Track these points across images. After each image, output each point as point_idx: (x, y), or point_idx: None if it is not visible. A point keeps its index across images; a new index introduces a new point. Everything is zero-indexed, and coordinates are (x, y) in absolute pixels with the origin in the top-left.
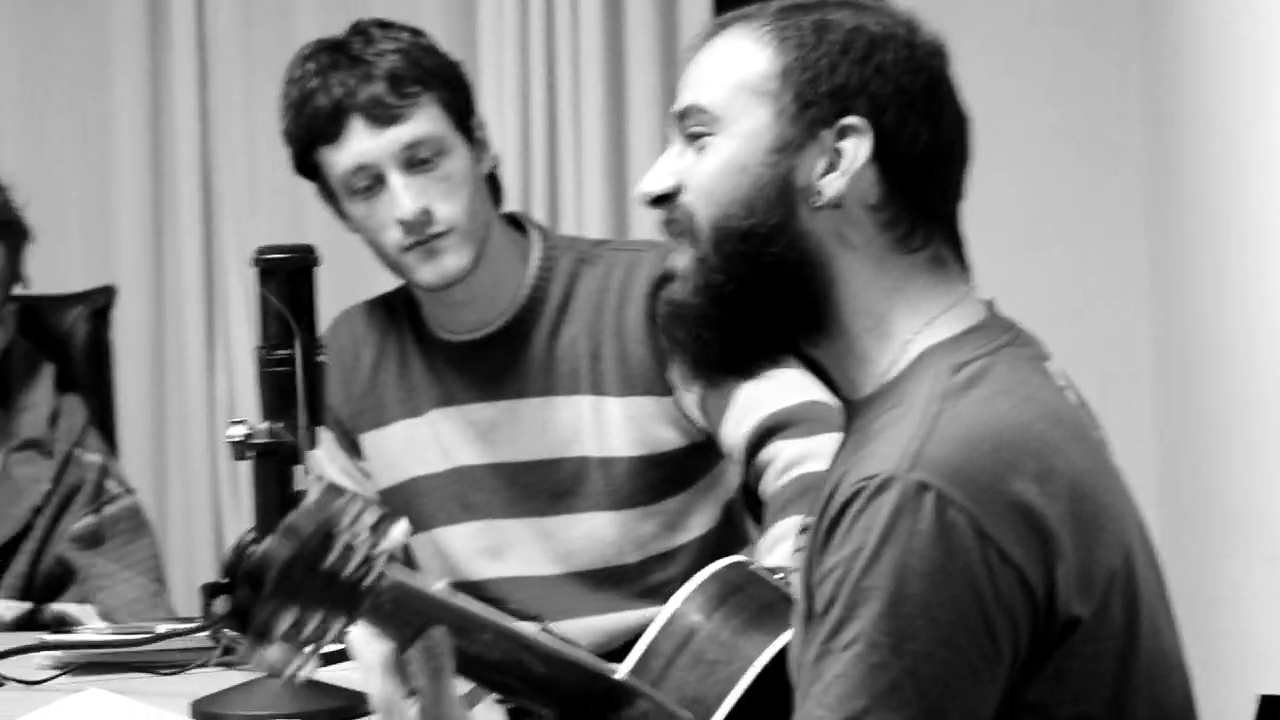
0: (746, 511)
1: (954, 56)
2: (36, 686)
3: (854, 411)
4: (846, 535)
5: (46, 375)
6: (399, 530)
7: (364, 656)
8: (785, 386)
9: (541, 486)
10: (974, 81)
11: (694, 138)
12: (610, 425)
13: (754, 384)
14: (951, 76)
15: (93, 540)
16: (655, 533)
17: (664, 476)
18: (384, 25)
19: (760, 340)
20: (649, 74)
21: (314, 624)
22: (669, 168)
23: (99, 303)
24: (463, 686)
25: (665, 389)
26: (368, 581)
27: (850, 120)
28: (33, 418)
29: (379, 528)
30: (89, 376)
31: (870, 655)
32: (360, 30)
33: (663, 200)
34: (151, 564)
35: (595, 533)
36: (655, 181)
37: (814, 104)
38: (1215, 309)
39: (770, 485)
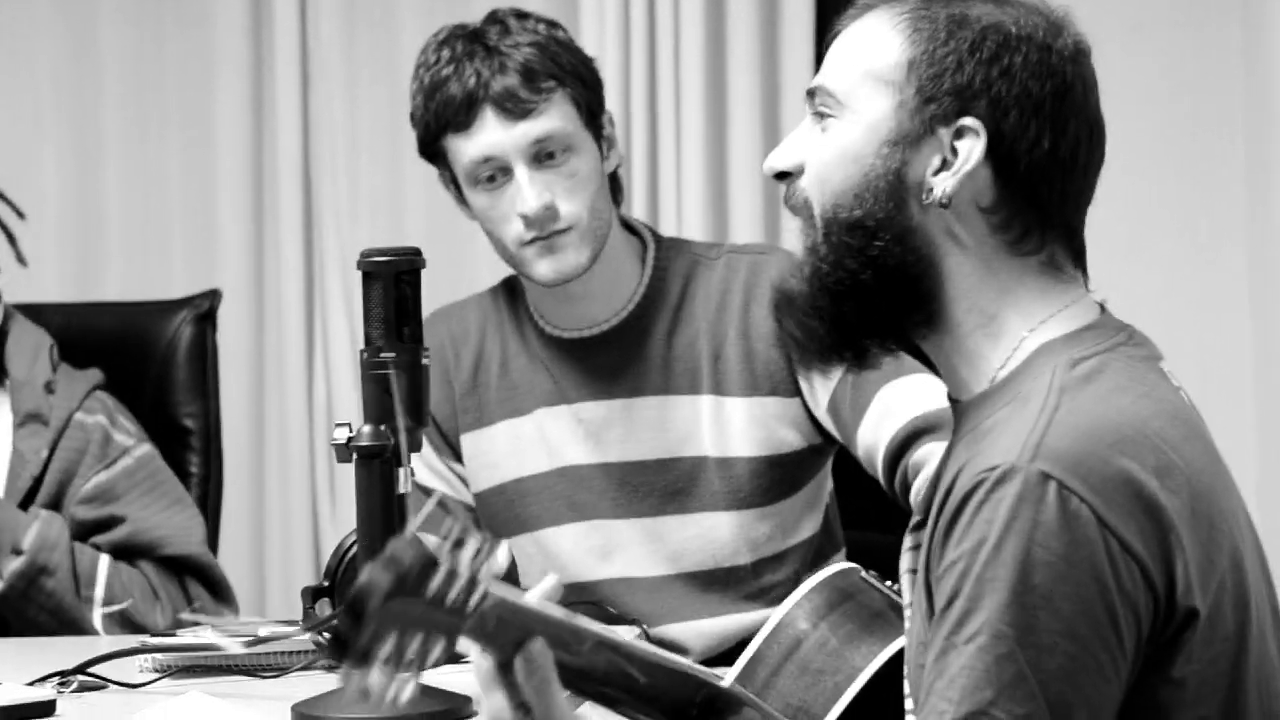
0: (838, 516)
1: None
2: (138, 689)
3: (965, 410)
4: (968, 528)
5: (44, 350)
6: (502, 555)
7: (477, 667)
8: (926, 391)
9: (653, 486)
10: None
11: (820, 117)
12: (732, 425)
13: (894, 386)
14: (1089, 81)
15: (108, 497)
16: (770, 534)
17: (781, 477)
18: (521, 15)
19: (866, 331)
20: (750, 69)
21: (414, 647)
22: (797, 143)
23: (203, 307)
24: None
25: (792, 390)
26: (471, 604)
27: (967, 121)
28: (30, 391)
29: (480, 555)
30: (193, 381)
31: (995, 647)
32: (497, 19)
33: (786, 175)
34: (177, 506)
35: (709, 533)
36: (781, 158)
37: (935, 99)
38: None
39: (923, 487)
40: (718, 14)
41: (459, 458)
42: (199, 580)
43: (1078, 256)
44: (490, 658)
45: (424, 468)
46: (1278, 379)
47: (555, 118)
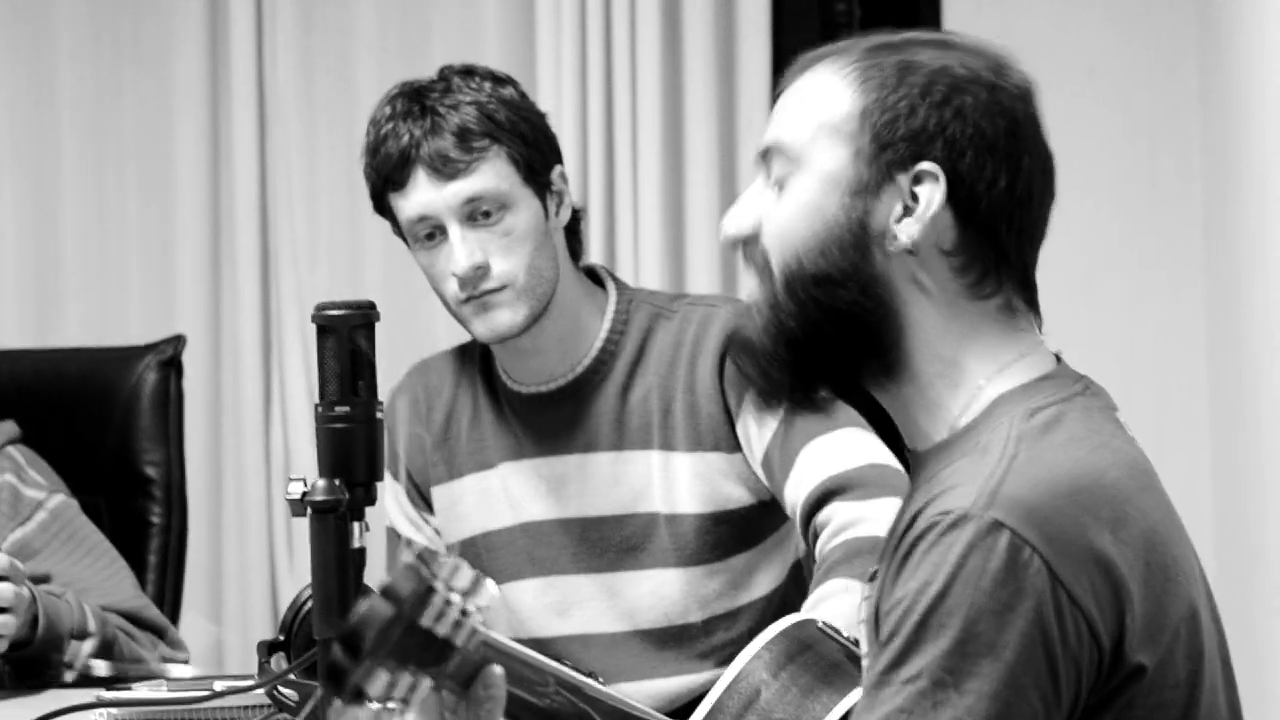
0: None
1: None
2: None
3: (923, 459)
4: (917, 568)
5: None
6: (491, 589)
7: None
8: (848, 448)
9: (609, 542)
10: None
11: (776, 177)
12: (678, 481)
13: (816, 444)
14: (1037, 117)
15: (26, 554)
16: (720, 591)
17: (730, 534)
18: (467, 73)
19: (827, 380)
20: (707, 118)
21: (404, 684)
22: (751, 205)
23: (167, 353)
24: None
25: (734, 445)
26: (458, 641)
27: (925, 165)
28: None
29: (472, 588)
30: (156, 428)
31: (934, 693)
32: (444, 77)
33: (743, 241)
34: (95, 555)
35: (660, 589)
36: (735, 223)
37: (890, 146)
38: (1275, 360)
39: (821, 547)
40: (674, 65)
41: (431, 509)
42: (135, 627)
43: (1031, 299)
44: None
45: (402, 518)
46: (1233, 417)
47: (489, 176)
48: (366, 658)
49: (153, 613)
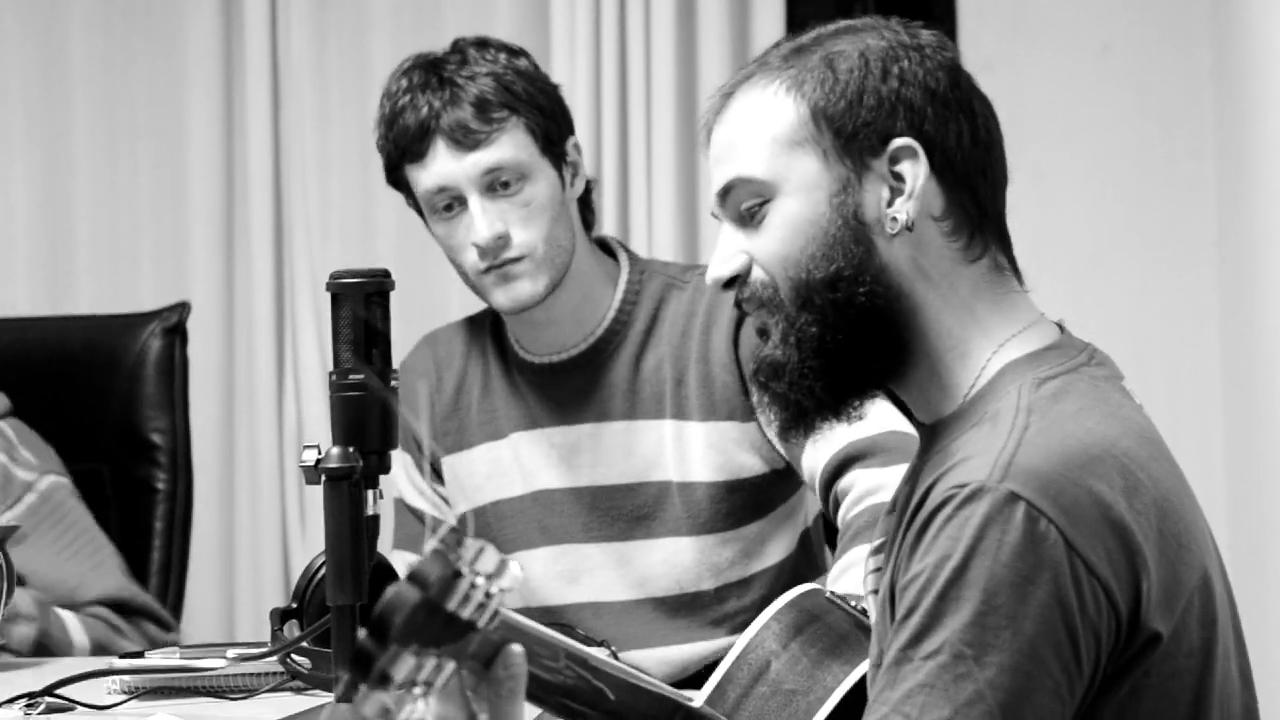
0: (825, 540)
1: (1029, 84)
2: (106, 711)
3: (932, 432)
4: (934, 542)
5: None
6: (515, 571)
7: None
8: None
9: (621, 511)
10: (1049, 109)
11: (749, 212)
12: (692, 450)
13: None
14: (962, 66)
15: (16, 539)
16: (733, 559)
17: (743, 502)
18: (482, 45)
19: (860, 381)
20: (721, 79)
21: (429, 668)
22: (731, 248)
23: (171, 320)
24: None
25: (748, 414)
26: (481, 622)
27: (898, 142)
28: None
29: (497, 571)
30: (161, 395)
31: (955, 666)
32: (458, 49)
33: (734, 280)
34: (82, 542)
35: (673, 558)
36: (724, 266)
37: (855, 135)
38: None
39: (844, 514)
40: (689, 37)
41: (441, 479)
42: (122, 614)
43: (1009, 251)
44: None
45: (411, 488)
46: (1246, 396)
47: (508, 147)
48: (394, 643)
49: (141, 598)
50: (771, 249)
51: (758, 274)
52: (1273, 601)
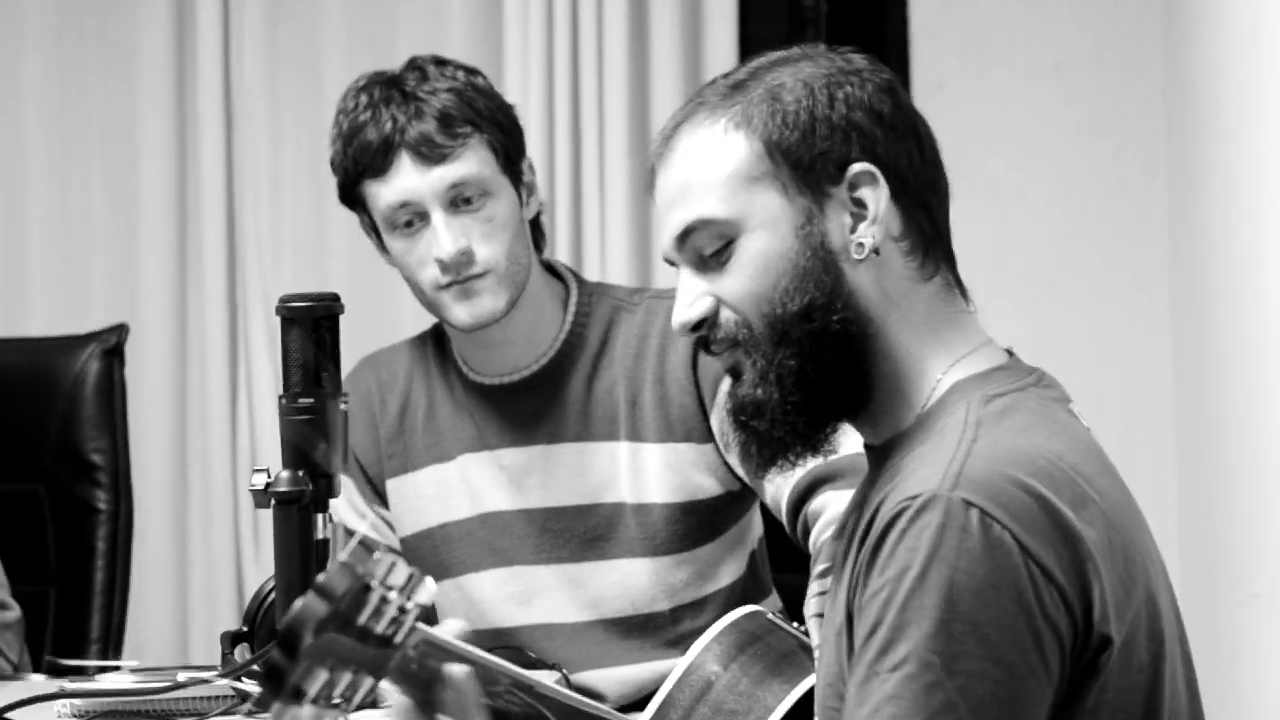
0: (767, 561)
1: (984, 101)
2: None
3: (882, 450)
4: (891, 556)
5: None
6: (429, 587)
7: (396, 706)
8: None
9: (573, 533)
10: (1002, 128)
11: (713, 254)
12: (647, 471)
13: None
14: (898, 85)
15: None
16: (688, 580)
17: (699, 524)
18: (440, 62)
19: (839, 409)
20: (674, 101)
21: (344, 683)
22: (694, 291)
23: (110, 341)
24: None
25: (705, 436)
26: (398, 638)
27: (856, 168)
28: None
29: (409, 584)
30: (101, 416)
31: (922, 675)
32: (416, 66)
33: (701, 324)
34: None
35: (627, 579)
36: (690, 311)
37: (813, 166)
38: (1238, 355)
39: (816, 537)
40: (641, 58)
41: (384, 502)
42: None
43: (955, 269)
44: (409, 697)
45: (350, 511)
46: (1198, 412)
47: (472, 162)
48: (303, 657)
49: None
50: (742, 288)
51: (727, 315)
52: (1223, 620)
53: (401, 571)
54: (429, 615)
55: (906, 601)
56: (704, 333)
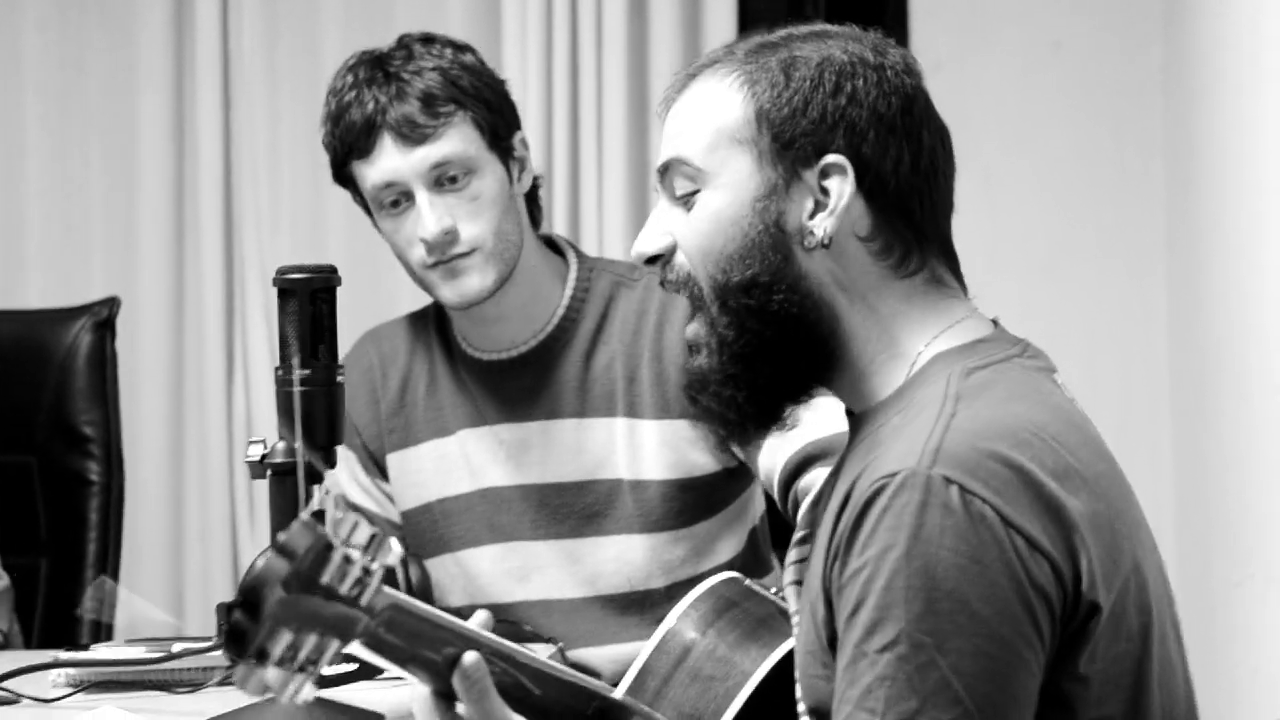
0: (769, 538)
1: (980, 83)
2: (51, 704)
3: (860, 420)
4: (872, 535)
5: None
6: (393, 548)
7: (415, 696)
8: (823, 415)
9: (571, 508)
10: (999, 107)
11: (682, 194)
12: (644, 448)
13: None
14: (926, 93)
15: None
16: (684, 557)
17: (695, 501)
18: (428, 40)
19: (781, 388)
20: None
21: (310, 645)
22: (660, 226)
23: (102, 314)
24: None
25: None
26: (364, 600)
27: (830, 158)
28: None
29: (372, 545)
30: (93, 388)
31: (915, 655)
32: (404, 45)
33: (658, 258)
34: None
35: (624, 555)
36: (649, 242)
37: (793, 144)
38: (1235, 339)
39: (805, 513)
40: (640, 33)
41: (386, 476)
42: None
43: (955, 267)
44: (427, 684)
45: (353, 484)
46: (1194, 394)
47: (455, 141)
48: (266, 618)
49: None
50: (694, 239)
51: (681, 259)
52: (1219, 601)
53: (364, 531)
54: (427, 591)
55: (890, 581)
56: (659, 268)
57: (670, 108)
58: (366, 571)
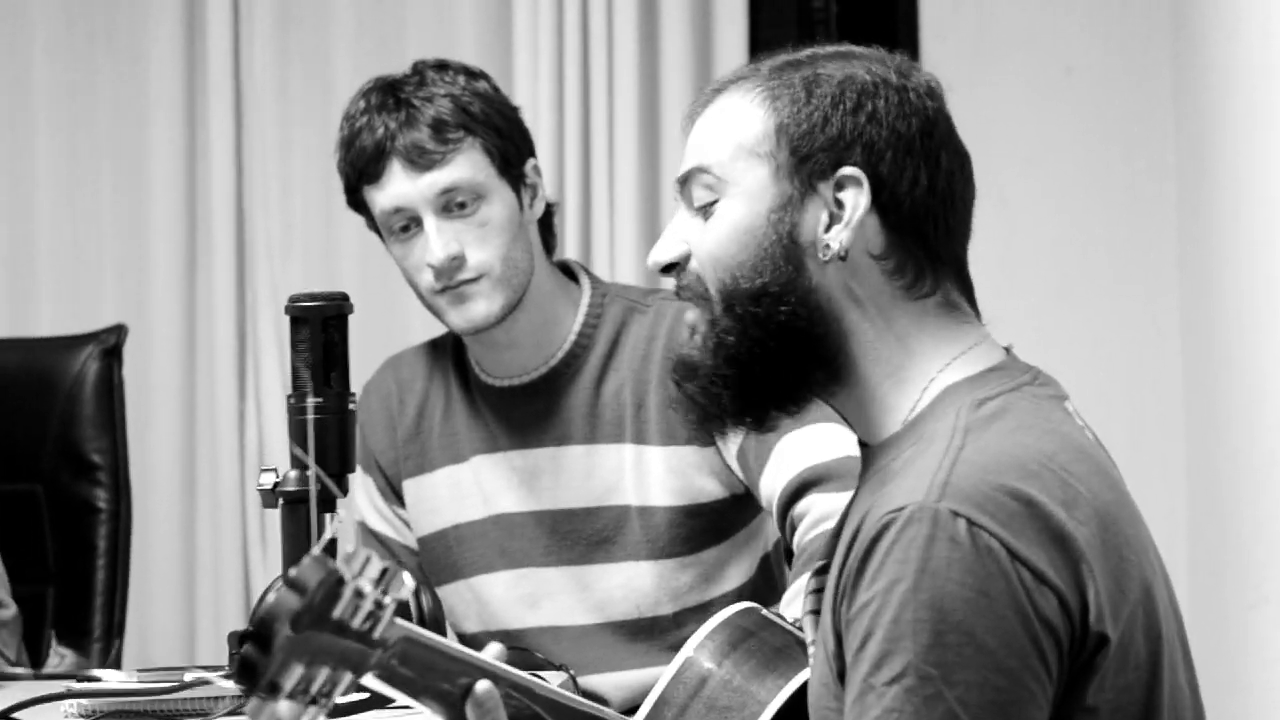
0: (783, 564)
1: (991, 107)
2: None
3: (873, 455)
4: (880, 569)
5: None
6: (406, 581)
7: None
8: (822, 441)
9: (581, 535)
10: (1011, 130)
11: (700, 204)
12: (651, 474)
13: (793, 437)
14: (949, 116)
15: None
16: (692, 584)
17: (703, 527)
18: (441, 67)
19: (771, 395)
20: (684, 102)
21: (322, 679)
22: (677, 234)
23: (109, 342)
24: None
25: (708, 439)
26: (376, 633)
27: (846, 171)
28: None
29: (384, 579)
30: (100, 416)
31: (922, 689)
32: (418, 71)
33: (673, 267)
34: None
35: (632, 582)
36: (664, 251)
37: (809, 158)
38: (1248, 359)
39: (799, 539)
40: (651, 59)
41: (403, 502)
42: None
43: (969, 292)
44: (440, 715)
45: (371, 511)
46: (1208, 416)
47: (464, 167)
48: (277, 651)
49: None
50: (708, 248)
51: (694, 267)
52: (1233, 623)
53: (376, 566)
54: (440, 620)
55: (898, 615)
56: (674, 276)
57: (695, 121)
58: (379, 605)
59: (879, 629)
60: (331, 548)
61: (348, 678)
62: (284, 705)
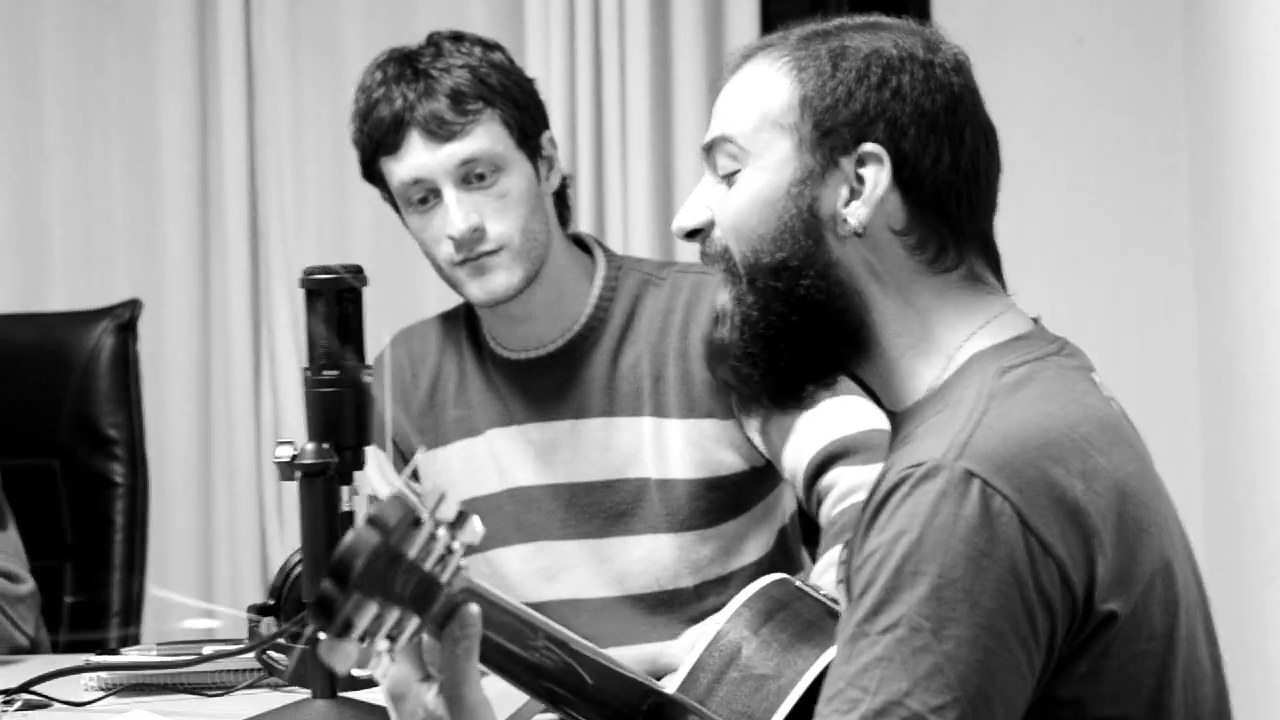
0: (801, 537)
1: (1003, 78)
2: (82, 708)
3: (900, 421)
4: (890, 519)
5: None
6: (476, 527)
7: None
8: (848, 413)
9: (599, 508)
10: (1022, 102)
11: (725, 173)
12: (671, 447)
13: (817, 410)
14: (975, 91)
15: None
16: (712, 556)
17: (723, 500)
18: (457, 38)
19: (802, 371)
20: (696, 87)
21: (393, 620)
22: (701, 201)
23: (124, 316)
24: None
25: (727, 412)
26: (444, 578)
27: (868, 147)
28: None
29: (457, 522)
30: (116, 391)
31: (912, 639)
32: (433, 42)
33: (697, 233)
34: None
35: (652, 555)
36: (689, 216)
37: (833, 132)
38: (1262, 332)
39: (828, 511)
40: (663, 32)
41: (416, 476)
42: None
43: (995, 265)
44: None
45: (386, 486)
46: (1222, 388)
47: (483, 138)
48: (354, 588)
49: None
50: (731, 216)
51: (718, 234)
52: (1251, 592)
53: (451, 506)
54: None
55: (901, 565)
56: (699, 242)
57: (724, 87)
58: (449, 549)
59: (880, 577)
60: (348, 521)
61: (414, 622)
62: (354, 646)
